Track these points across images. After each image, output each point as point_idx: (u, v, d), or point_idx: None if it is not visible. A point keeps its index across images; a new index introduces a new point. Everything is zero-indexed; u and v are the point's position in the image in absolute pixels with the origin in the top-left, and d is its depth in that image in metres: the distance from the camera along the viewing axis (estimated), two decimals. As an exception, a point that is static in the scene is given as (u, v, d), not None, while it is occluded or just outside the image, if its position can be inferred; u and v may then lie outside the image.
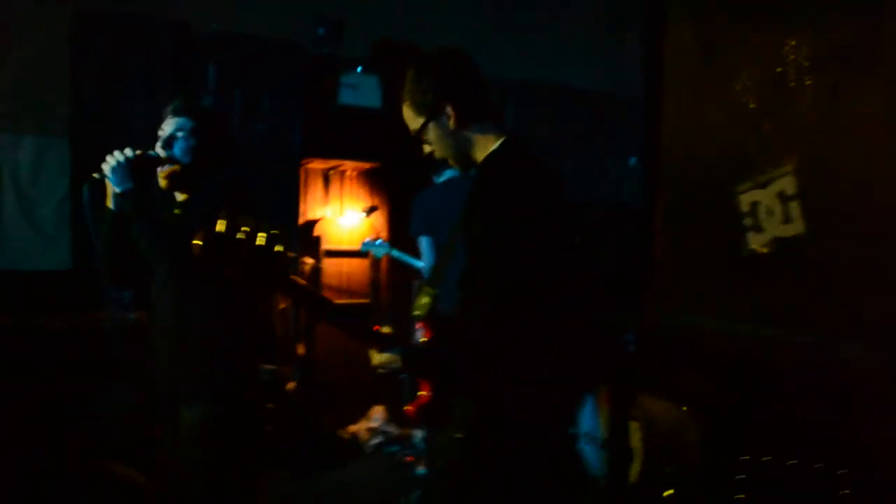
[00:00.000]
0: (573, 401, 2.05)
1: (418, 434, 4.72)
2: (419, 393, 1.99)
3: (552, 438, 1.84)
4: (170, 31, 4.80)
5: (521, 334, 1.73)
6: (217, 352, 2.29)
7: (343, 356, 5.06)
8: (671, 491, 2.69)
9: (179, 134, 2.27)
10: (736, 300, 2.62)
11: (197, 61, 4.82)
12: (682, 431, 2.79)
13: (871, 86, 2.18)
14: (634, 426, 3.13)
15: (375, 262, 5.61)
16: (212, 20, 4.85)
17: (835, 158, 2.29)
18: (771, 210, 2.44)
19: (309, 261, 5.09)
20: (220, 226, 1.63)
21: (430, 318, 1.98)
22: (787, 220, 2.38)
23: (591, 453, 3.57)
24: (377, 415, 5.11)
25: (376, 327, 1.85)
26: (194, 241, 1.64)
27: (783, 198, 2.40)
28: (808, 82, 2.34)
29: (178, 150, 2.27)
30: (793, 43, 2.36)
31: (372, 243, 4.89)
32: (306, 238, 5.37)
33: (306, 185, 5.48)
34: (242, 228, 1.63)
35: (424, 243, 3.50)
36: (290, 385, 4.72)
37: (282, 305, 5.00)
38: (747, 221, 2.52)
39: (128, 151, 2.17)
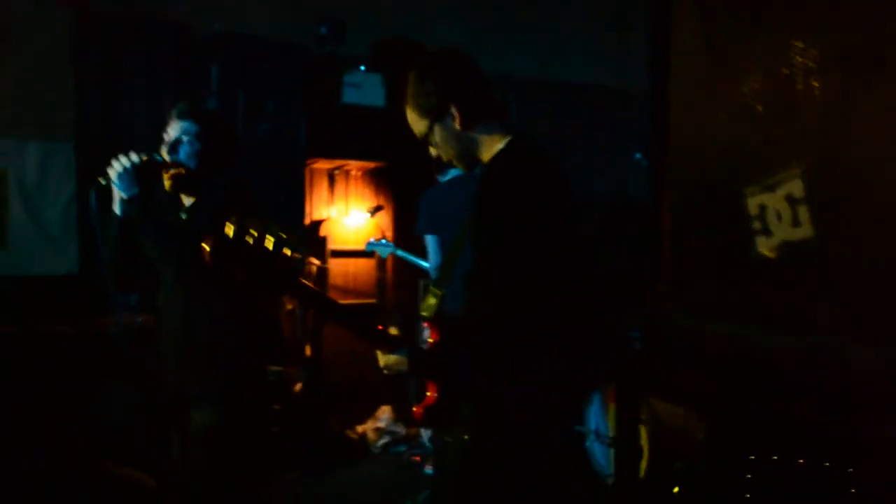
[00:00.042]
0: (574, 400, 2.05)
1: (425, 434, 4.73)
2: (426, 393, 1.99)
3: (553, 438, 1.83)
4: (171, 32, 4.80)
5: (521, 334, 1.73)
6: (224, 354, 2.30)
7: (350, 357, 5.06)
8: (677, 489, 2.69)
9: (184, 138, 2.27)
10: (743, 303, 2.61)
11: (198, 62, 4.82)
12: (689, 430, 2.79)
13: (879, 88, 2.16)
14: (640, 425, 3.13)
15: (381, 262, 5.60)
16: (213, 21, 4.84)
17: (844, 161, 2.27)
18: (779, 213, 2.42)
19: (315, 261, 5.09)
20: (229, 229, 1.62)
21: (437, 319, 1.98)
22: (795, 223, 2.37)
23: (599, 451, 3.58)
24: (384, 415, 5.11)
25: (380, 327, 1.85)
26: (204, 246, 1.63)
27: (791, 201, 2.39)
28: (816, 84, 2.32)
29: (183, 154, 2.27)
30: (801, 45, 2.34)
31: (377, 243, 4.90)
32: (312, 238, 5.36)
33: (311, 186, 5.47)
34: (251, 231, 1.63)
35: (430, 242, 3.49)
36: (298, 386, 4.73)
37: (289, 307, 5.01)
38: (755, 225, 2.51)
39: (133, 157, 2.16)
